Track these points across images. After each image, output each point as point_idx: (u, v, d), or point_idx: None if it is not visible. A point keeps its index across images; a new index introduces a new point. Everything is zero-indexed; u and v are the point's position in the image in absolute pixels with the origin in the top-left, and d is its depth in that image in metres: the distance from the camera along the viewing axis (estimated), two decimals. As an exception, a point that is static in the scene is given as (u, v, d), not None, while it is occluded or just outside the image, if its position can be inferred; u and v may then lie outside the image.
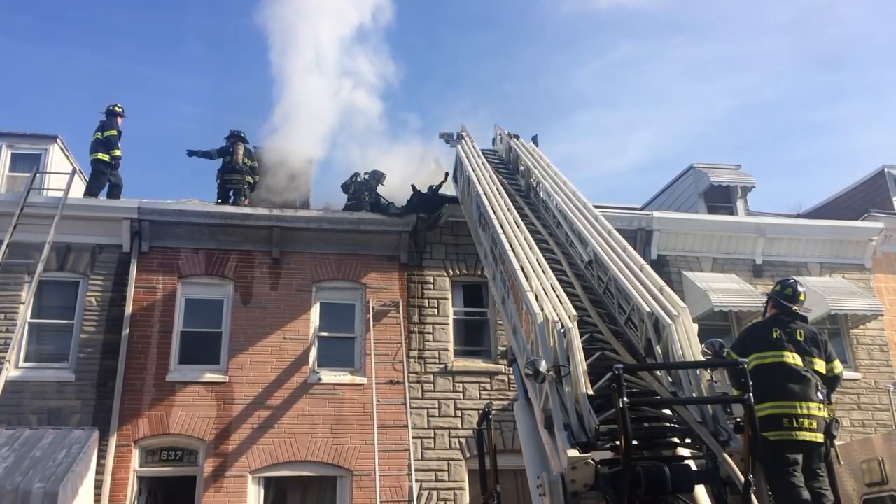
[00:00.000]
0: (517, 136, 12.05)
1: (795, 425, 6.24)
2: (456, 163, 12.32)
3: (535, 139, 12.18)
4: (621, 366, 4.53)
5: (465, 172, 10.81)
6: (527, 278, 6.44)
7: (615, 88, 49.95)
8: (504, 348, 13.06)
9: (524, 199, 10.09)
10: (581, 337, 5.54)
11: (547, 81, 46.16)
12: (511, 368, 7.50)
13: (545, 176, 9.73)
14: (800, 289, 6.87)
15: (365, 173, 15.05)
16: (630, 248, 7.05)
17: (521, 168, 11.01)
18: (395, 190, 14.90)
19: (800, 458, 6.24)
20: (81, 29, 41.85)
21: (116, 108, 14.33)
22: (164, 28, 41.69)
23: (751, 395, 4.46)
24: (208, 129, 45.01)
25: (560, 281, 6.68)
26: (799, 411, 6.28)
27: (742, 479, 4.57)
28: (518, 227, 7.91)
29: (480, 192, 9.32)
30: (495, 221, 8.14)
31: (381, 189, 14.77)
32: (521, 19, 44.10)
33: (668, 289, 6.07)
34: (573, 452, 4.69)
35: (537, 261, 6.86)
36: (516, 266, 6.78)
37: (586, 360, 5.33)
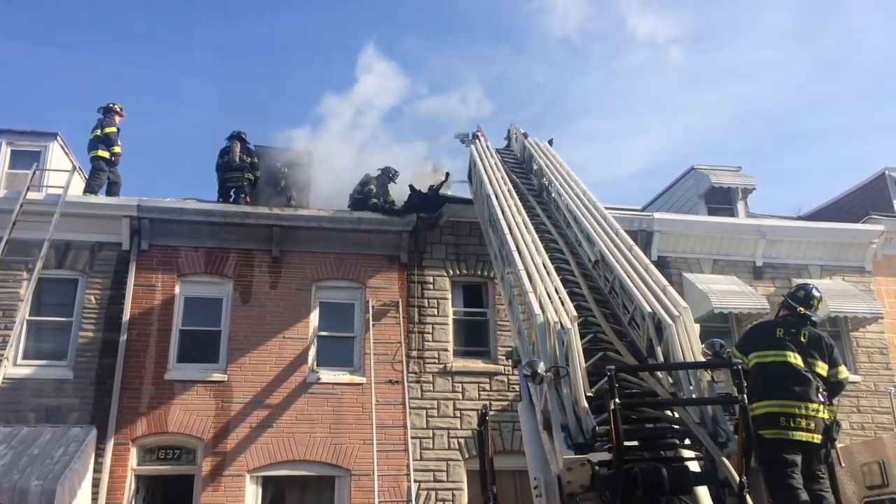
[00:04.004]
0: (528, 135, 12.04)
1: (792, 425, 6.23)
2: (470, 163, 12.27)
3: (550, 143, 12.07)
4: (613, 367, 4.53)
5: (478, 173, 10.79)
6: (530, 280, 6.45)
7: (617, 97, 50.00)
8: (504, 349, 13.03)
9: (537, 198, 10.09)
10: (584, 338, 5.53)
11: (550, 90, 46.19)
12: (516, 369, 7.49)
13: (556, 175, 9.73)
14: (814, 293, 6.88)
15: (378, 169, 14.96)
16: (636, 248, 7.06)
17: (535, 167, 10.98)
18: (395, 189, 14.85)
19: (798, 459, 6.22)
20: (90, 33, 41.98)
21: (115, 107, 14.25)
22: (173, 33, 41.78)
23: (745, 396, 4.45)
24: (216, 133, 45.04)
25: (566, 281, 6.68)
26: (797, 411, 6.26)
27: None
28: (526, 228, 7.90)
29: (490, 192, 9.31)
30: (503, 223, 8.14)
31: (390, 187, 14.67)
32: (524, 30, 44.10)
33: (671, 289, 6.06)
34: (569, 454, 4.68)
35: (542, 263, 6.85)
36: (521, 268, 6.80)
37: (589, 360, 5.31)
